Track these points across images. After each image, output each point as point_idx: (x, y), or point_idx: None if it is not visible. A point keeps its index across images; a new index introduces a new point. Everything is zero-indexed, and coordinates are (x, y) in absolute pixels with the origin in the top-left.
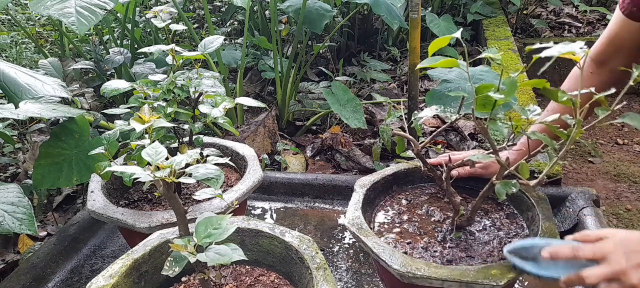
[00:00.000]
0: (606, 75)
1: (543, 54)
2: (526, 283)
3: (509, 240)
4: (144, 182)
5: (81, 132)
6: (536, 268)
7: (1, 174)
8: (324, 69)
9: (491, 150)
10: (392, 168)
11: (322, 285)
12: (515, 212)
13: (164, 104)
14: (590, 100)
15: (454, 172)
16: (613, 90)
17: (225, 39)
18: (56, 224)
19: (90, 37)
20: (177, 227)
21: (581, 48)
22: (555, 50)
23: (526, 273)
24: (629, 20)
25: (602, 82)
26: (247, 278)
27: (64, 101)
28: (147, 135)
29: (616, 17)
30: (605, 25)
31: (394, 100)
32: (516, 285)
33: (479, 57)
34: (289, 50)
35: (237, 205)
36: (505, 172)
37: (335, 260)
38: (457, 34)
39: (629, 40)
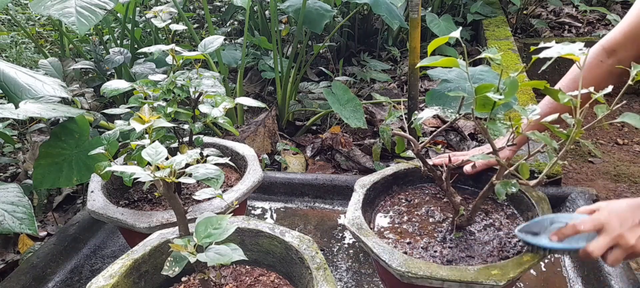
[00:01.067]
0: (613, 66)
1: (542, 55)
2: (527, 283)
3: (509, 240)
4: (144, 182)
5: (81, 132)
6: (547, 243)
7: (1, 174)
8: (324, 69)
9: (491, 150)
10: (392, 168)
11: (322, 285)
12: (515, 212)
13: (164, 104)
14: (590, 100)
15: (468, 168)
16: (610, 88)
17: (225, 39)
18: (56, 224)
19: (90, 37)
20: (177, 227)
21: (580, 49)
22: (554, 51)
23: (539, 248)
24: None
25: (608, 72)
26: (247, 278)
27: (64, 101)
28: (147, 135)
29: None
30: (605, 25)
31: (394, 100)
32: (516, 286)
33: (478, 57)
34: (289, 50)
35: (237, 205)
36: (506, 172)
37: (335, 260)
38: (457, 33)
39: None
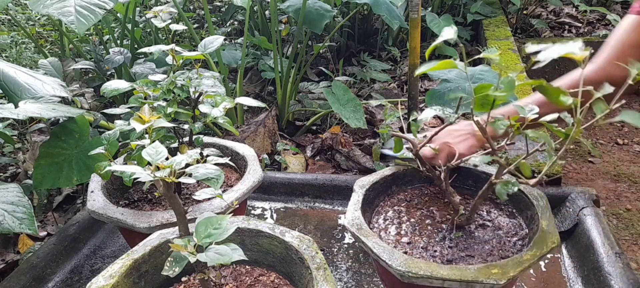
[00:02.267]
0: None
1: (542, 56)
2: (527, 283)
3: (509, 239)
4: (144, 182)
5: (81, 132)
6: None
7: (1, 174)
8: (324, 69)
9: (490, 150)
10: (392, 168)
11: (322, 285)
12: (515, 211)
13: (164, 104)
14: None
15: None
16: (611, 89)
17: (225, 39)
18: (56, 224)
19: (90, 37)
20: (177, 227)
21: (580, 48)
22: (554, 51)
23: (389, 156)
24: None
25: None
26: (247, 278)
27: (64, 101)
28: (147, 135)
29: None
30: (605, 25)
31: (393, 101)
32: (516, 285)
33: (478, 57)
34: (289, 50)
35: (237, 205)
36: (505, 172)
37: (335, 260)
38: (454, 34)
39: None
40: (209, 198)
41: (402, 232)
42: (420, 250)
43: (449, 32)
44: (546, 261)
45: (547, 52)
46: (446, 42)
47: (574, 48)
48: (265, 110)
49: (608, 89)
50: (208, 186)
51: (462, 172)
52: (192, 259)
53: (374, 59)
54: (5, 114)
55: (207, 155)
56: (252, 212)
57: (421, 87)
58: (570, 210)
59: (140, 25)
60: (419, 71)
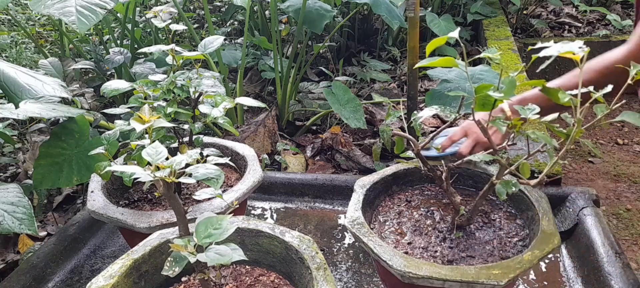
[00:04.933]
0: None
1: (542, 54)
2: (527, 283)
3: (510, 239)
4: (144, 182)
5: (81, 132)
6: (435, 153)
7: (1, 174)
8: (324, 69)
9: (491, 150)
10: (392, 168)
11: (322, 285)
12: (515, 211)
13: (164, 104)
14: (590, 99)
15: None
16: (610, 87)
17: (225, 39)
18: (56, 224)
19: (90, 37)
20: (177, 227)
21: (580, 47)
22: (554, 49)
23: (432, 157)
24: None
25: None
26: (247, 278)
27: (64, 101)
28: (147, 135)
29: None
30: (605, 25)
31: (393, 100)
32: (516, 285)
33: (478, 56)
34: (289, 50)
35: (237, 205)
36: (506, 172)
37: (335, 260)
38: (455, 34)
39: None
40: (209, 198)
41: (403, 232)
42: (421, 250)
43: (454, 33)
44: (546, 261)
45: (547, 50)
46: (446, 42)
47: (573, 47)
48: (265, 110)
49: (608, 88)
50: (208, 186)
51: (463, 172)
52: (192, 259)
53: (374, 59)
54: (5, 114)
55: (207, 155)
56: (252, 212)
57: (421, 87)
58: (570, 210)
59: (140, 25)
60: (420, 64)
